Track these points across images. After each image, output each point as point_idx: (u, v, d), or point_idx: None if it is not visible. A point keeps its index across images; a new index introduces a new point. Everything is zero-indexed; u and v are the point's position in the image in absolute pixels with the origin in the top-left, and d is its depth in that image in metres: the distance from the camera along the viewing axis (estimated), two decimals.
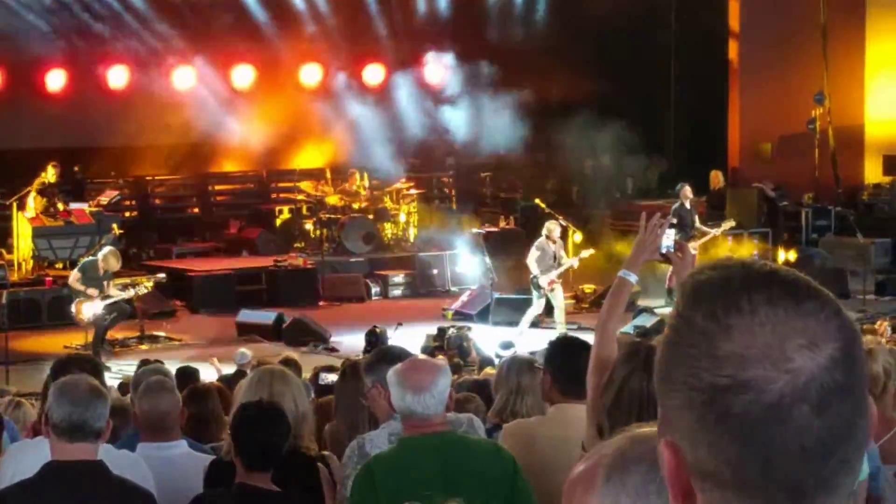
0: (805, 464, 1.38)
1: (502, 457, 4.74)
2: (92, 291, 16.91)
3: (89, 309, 16.92)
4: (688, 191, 20.73)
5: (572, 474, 2.39)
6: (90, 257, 17.59)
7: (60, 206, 21.47)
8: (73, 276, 17.29)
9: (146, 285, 18.07)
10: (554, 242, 18.52)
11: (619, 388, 3.92)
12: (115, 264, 17.26)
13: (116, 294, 17.20)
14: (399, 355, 5.22)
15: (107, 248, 17.61)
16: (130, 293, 17.53)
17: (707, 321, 1.42)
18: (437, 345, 16.32)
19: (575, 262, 18.77)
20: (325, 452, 5.75)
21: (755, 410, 1.38)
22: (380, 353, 5.50)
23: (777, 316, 1.40)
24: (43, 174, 21.45)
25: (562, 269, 18.43)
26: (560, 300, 18.54)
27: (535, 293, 18.45)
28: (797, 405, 1.37)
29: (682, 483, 1.45)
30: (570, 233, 21.42)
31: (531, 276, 18.50)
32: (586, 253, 19.10)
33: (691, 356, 1.42)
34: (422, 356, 4.90)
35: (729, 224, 20.98)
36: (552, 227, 18.72)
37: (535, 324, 18.53)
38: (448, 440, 4.75)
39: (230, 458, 5.30)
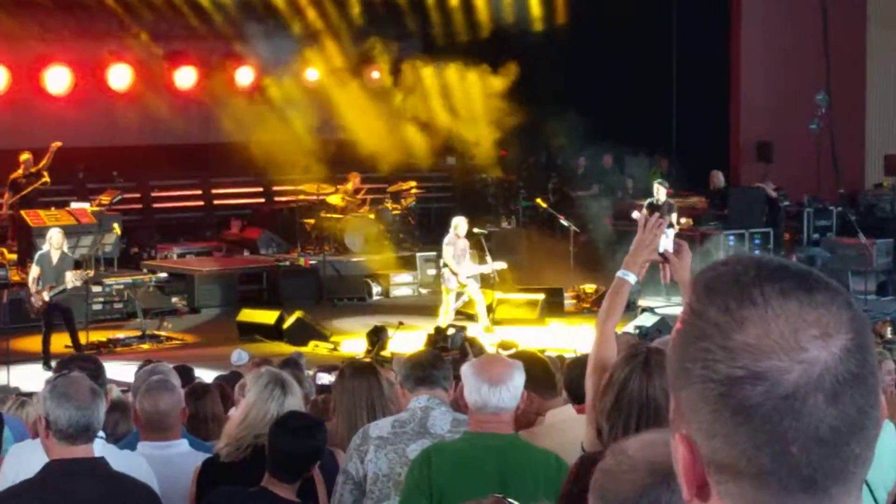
0: (820, 454, 1.40)
1: (562, 469, 4.73)
2: (36, 298, 16.89)
3: (37, 300, 16.93)
4: (659, 188, 20.77)
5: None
6: (41, 250, 17.51)
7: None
8: (32, 271, 17.25)
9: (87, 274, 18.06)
10: (459, 238, 18.63)
11: (618, 389, 3.90)
12: (60, 239, 17.19)
13: (69, 281, 17.12)
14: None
15: (50, 231, 17.55)
16: (79, 281, 17.44)
17: (720, 314, 1.43)
18: (442, 345, 16.29)
19: (487, 269, 18.82)
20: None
21: (770, 401, 1.40)
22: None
23: (790, 307, 1.42)
24: (17, 171, 21.61)
25: (478, 271, 18.66)
26: (479, 297, 18.66)
27: (468, 289, 18.56)
28: (812, 395, 1.39)
29: (697, 476, 1.47)
30: (571, 232, 21.45)
31: (442, 271, 18.62)
32: (499, 265, 19.12)
33: (706, 349, 1.43)
34: (495, 353, 5.05)
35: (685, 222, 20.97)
36: (458, 222, 18.84)
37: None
38: (511, 443, 4.82)
39: (229, 459, 5.32)
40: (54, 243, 17.11)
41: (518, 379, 4.80)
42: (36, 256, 17.44)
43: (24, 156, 21.72)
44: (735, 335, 1.42)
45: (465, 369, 4.88)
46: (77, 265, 17.99)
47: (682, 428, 1.47)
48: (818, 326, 1.41)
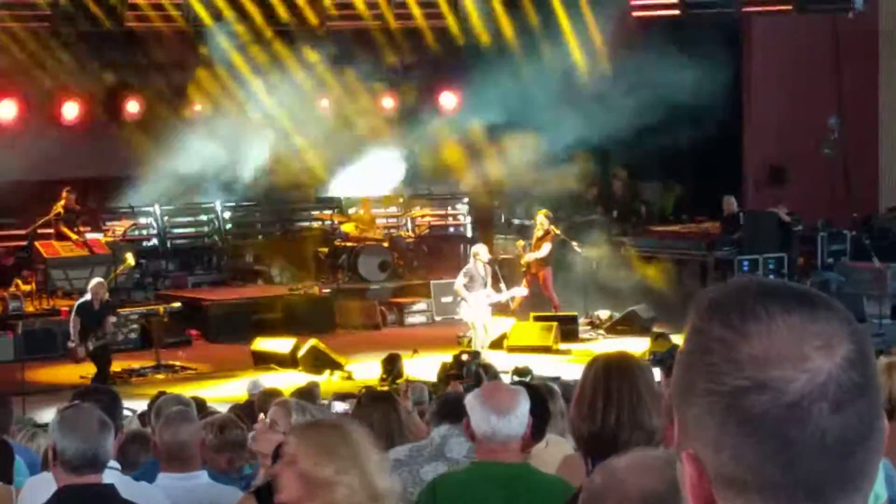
0: (825, 463, 1.42)
1: (570, 495, 4.75)
2: (80, 350, 17.00)
3: (82, 350, 17.02)
4: (543, 221, 20.93)
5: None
6: (81, 299, 17.58)
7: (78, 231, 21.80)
8: (72, 321, 17.32)
9: (156, 313, 18.12)
10: (482, 265, 18.55)
11: (582, 381, 4.17)
12: (102, 292, 17.30)
13: (109, 328, 17.21)
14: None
15: (92, 282, 17.63)
16: (123, 333, 17.55)
17: (725, 330, 1.46)
18: (455, 373, 16.25)
19: (503, 297, 18.69)
20: None
21: (776, 410, 1.41)
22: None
23: (793, 321, 1.45)
24: (59, 203, 21.66)
25: (493, 300, 18.42)
26: (489, 328, 18.55)
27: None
28: (816, 404, 1.41)
29: (705, 494, 1.48)
30: (584, 258, 21.41)
31: (459, 299, 18.55)
32: (519, 292, 19.07)
33: (711, 363, 1.46)
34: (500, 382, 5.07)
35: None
36: (479, 250, 18.76)
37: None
38: (517, 472, 4.80)
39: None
40: (99, 295, 17.18)
41: (524, 405, 4.80)
42: (75, 306, 17.49)
43: (67, 193, 21.85)
44: (740, 348, 1.44)
45: (471, 400, 4.84)
46: (116, 308, 18.13)
47: (688, 446, 1.48)
48: (821, 338, 1.44)
